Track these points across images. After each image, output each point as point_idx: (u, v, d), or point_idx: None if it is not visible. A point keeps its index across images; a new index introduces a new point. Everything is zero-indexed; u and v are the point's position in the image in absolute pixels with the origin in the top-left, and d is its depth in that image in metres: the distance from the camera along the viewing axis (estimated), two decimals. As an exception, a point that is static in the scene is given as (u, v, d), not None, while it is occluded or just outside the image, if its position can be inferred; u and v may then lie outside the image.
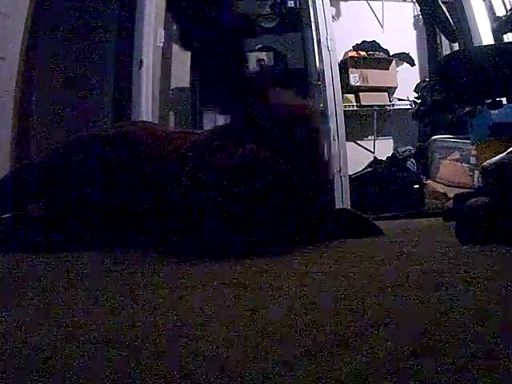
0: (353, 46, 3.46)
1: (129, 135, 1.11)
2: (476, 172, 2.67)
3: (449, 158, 3.01)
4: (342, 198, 2.73)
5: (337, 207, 1.49)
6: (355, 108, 3.37)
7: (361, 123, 3.47)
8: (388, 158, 3.23)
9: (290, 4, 2.94)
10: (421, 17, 3.33)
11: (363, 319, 0.33)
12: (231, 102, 0.90)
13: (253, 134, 0.87)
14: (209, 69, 0.91)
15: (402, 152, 3.17)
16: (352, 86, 3.34)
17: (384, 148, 3.45)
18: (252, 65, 2.94)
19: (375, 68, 3.39)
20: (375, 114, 3.44)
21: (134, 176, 1.00)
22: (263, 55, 2.99)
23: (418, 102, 3.23)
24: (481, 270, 0.52)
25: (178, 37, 0.93)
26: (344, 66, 3.31)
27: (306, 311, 0.37)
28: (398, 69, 3.50)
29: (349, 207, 2.51)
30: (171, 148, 1.00)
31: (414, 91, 3.32)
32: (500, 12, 2.96)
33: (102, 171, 1.06)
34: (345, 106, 3.11)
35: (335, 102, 2.86)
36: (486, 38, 2.90)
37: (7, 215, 1.21)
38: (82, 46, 2.81)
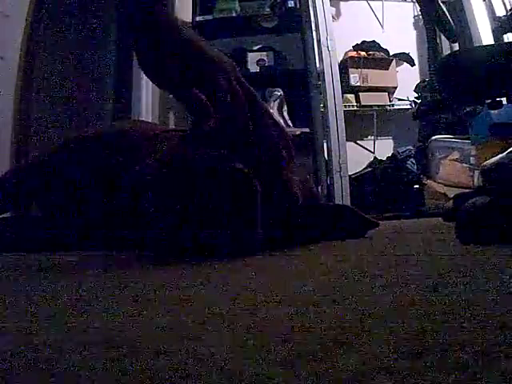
0: (353, 46, 3.47)
1: (123, 134, 1.11)
2: (476, 172, 2.67)
3: (449, 158, 3.01)
4: (342, 198, 2.73)
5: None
6: (355, 108, 3.38)
7: (361, 123, 3.47)
8: (388, 157, 3.24)
9: (290, 4, 2.94)
10: (421, 17, 3.33)
11: (363, 319, 0.33)
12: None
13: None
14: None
15: (402, 152, 3.18)
16: (352, 86, 3.34)
17: (384, 148, 3.46)
18: (252, 64, 2.94)
19: (375, 68, 3.39)
20: (375, 114, 3.44)
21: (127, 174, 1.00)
22: (263, 55, 2.99)
23: (418, 102, 3.24)
24: (481, 270, 0.52)
25: None
26: (344, 66, 3.32)
27: (306, 311, 0.37)
28: (397, 69, 3.50)
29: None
30: (157, 148, 1.00)
31: (414, 91, 3.33)
32: (500, 12, 2.96)
33: (97, 170, 1.06)
34: (345, 106, 3.11)
35: (335, 101, 2.86)
36: (486, 38, 2.91)
37: (6, 215, 1.21)
38: (82, 46, 2.81)
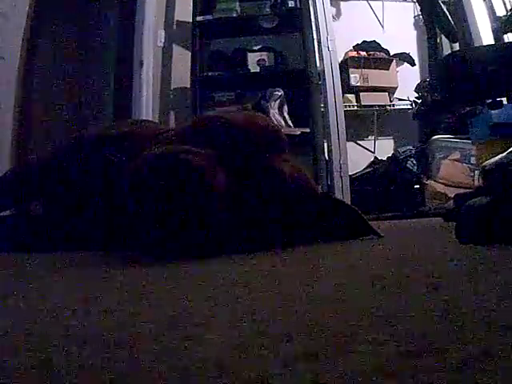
0: (353, 46, 3.47)
1: (127, 135, 1.11)
2: (476, 172, 2.67)
3: (449, 158, 3.01)
4: (342, 198, 2.73)
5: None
6: (355, 108, 3.37)
7: (361, 123, 3.47)
8: (388, 157, 3.24)
9: (290, 4, 2.94)
10: (421, 17, 3.33)
11: (363, 319, 0.33)
12: None
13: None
14: None
15: (402, 152, 3.17)
16: (352, 86, 3.34)
17: (384, 148, 3.46)
18: (252, 64, 2.95)
19: (375, 68, 3.39)
20: (375, 114, 3.44)
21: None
22: (263, 55, 2.99)
23: (418, 101, 3.23)
24: (481, 270, 0.52)
25: None
26: (344, 66, 3.32)
27: (306, 311, 0.37)
28: (398, 69, 3.50)
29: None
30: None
31: (414, 91, 3.32)
32: (500, 12, 2.96)
33: (101, 171, 1.06)
34: (345, 106, 3.11)
35: (335, 101, 2.86)
36: (486, 37, 2.90)
37: (7, 213, 1.21)
38: (83, 46, 2.81)
